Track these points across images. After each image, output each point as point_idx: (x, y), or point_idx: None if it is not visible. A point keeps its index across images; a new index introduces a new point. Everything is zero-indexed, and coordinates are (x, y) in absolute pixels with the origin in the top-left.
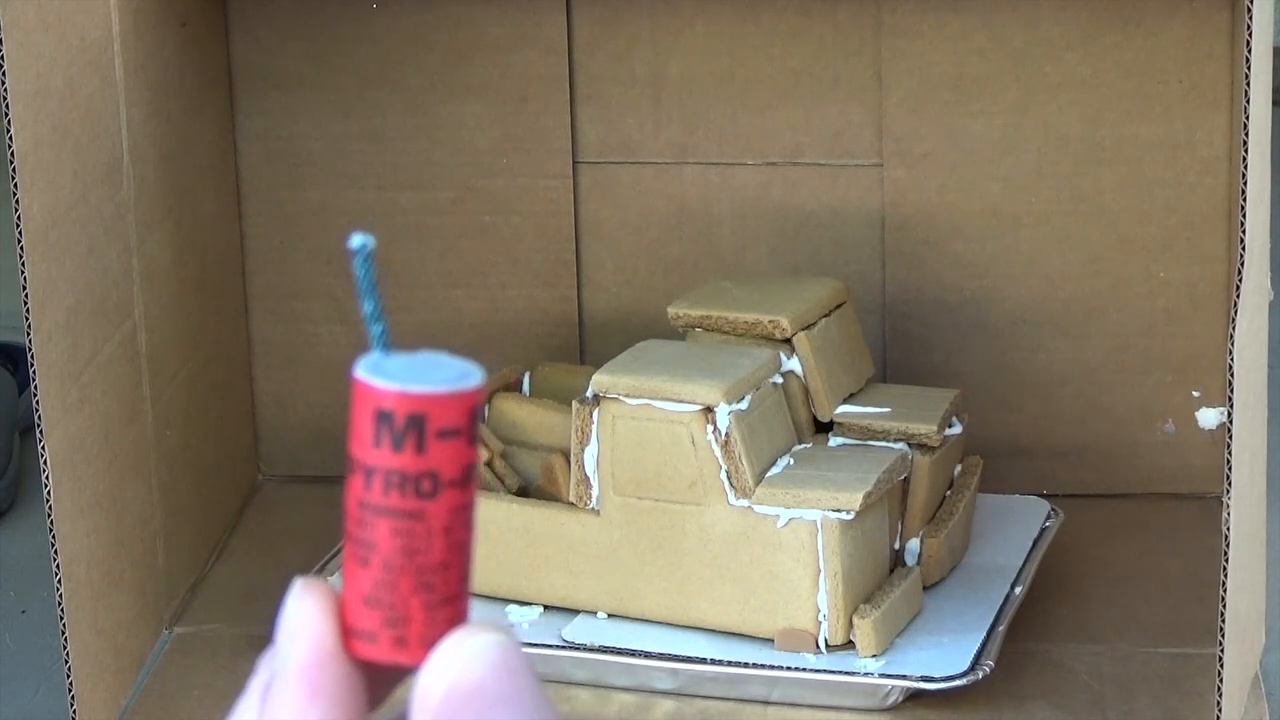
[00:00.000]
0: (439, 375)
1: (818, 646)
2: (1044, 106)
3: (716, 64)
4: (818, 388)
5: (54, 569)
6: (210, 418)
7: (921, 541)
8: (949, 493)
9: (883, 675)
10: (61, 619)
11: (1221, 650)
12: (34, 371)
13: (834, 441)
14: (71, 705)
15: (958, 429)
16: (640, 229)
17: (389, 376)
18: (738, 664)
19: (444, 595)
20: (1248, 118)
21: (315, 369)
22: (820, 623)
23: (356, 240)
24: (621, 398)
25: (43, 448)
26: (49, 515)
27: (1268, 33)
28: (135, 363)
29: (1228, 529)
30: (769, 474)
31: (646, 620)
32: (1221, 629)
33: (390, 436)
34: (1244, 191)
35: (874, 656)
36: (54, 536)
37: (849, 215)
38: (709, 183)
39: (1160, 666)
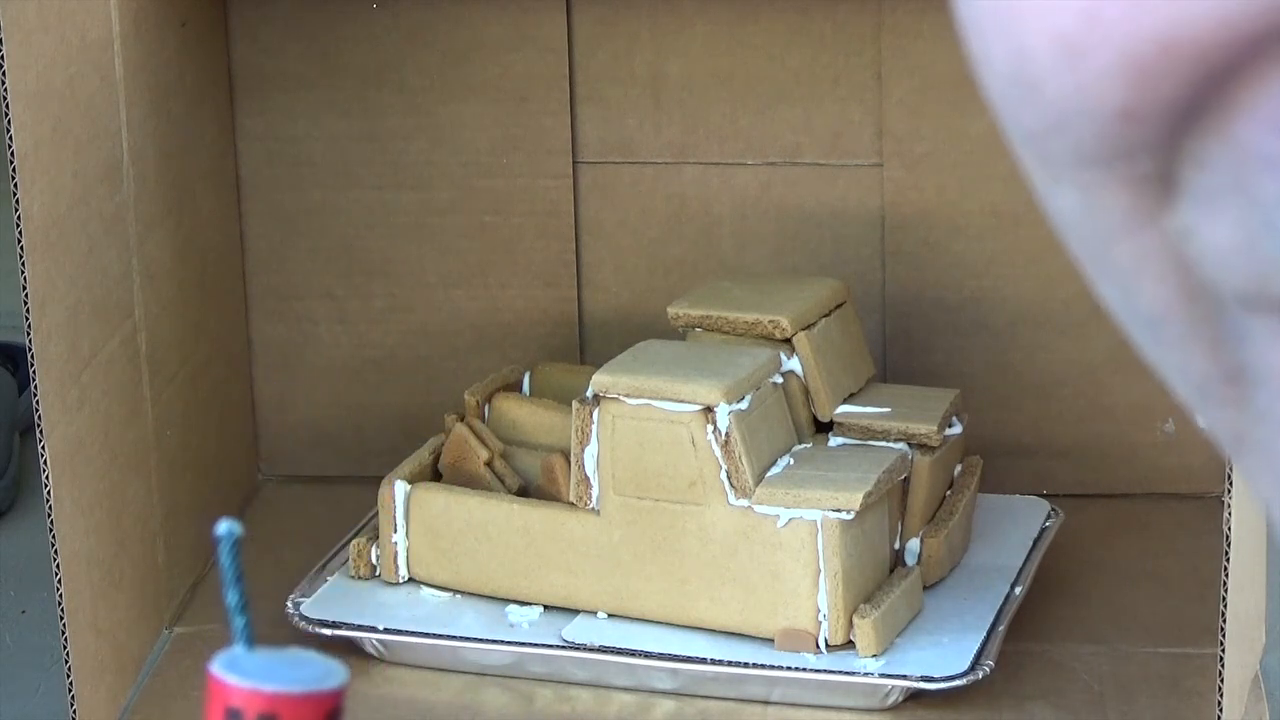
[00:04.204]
0: (297, 674)
1: (818, 646)
2: None
3: (716, 64)
4: (818, 388)
5: (54, 569)
6: (210, 418)
7: (921, 541)
8: (949, 493)
9: (883, 675)
10: (61, 619)
11: (1222, 650)
12: (34, 371)
13: (834, 441)
14: (71, 705)
15: (958, 429)
16: (640, 229)
17: (243, 673)
18: (738, 664)
19: None
20: None
21: (315, 369)
22: (820, 623)
23: (222, 527)
24: (621, 398)
25: (43, 448)
26: (49, 515)
27: None
28: (135, 363)
29: (1228, 529)
30: (769, 474)
31: (646, 620)
32: (1222, 629)
33: None
34: None
35: (874, 656)
36: (54, 536)
37: (849, 215)
38: (709, 183)
39: (1160, 666)
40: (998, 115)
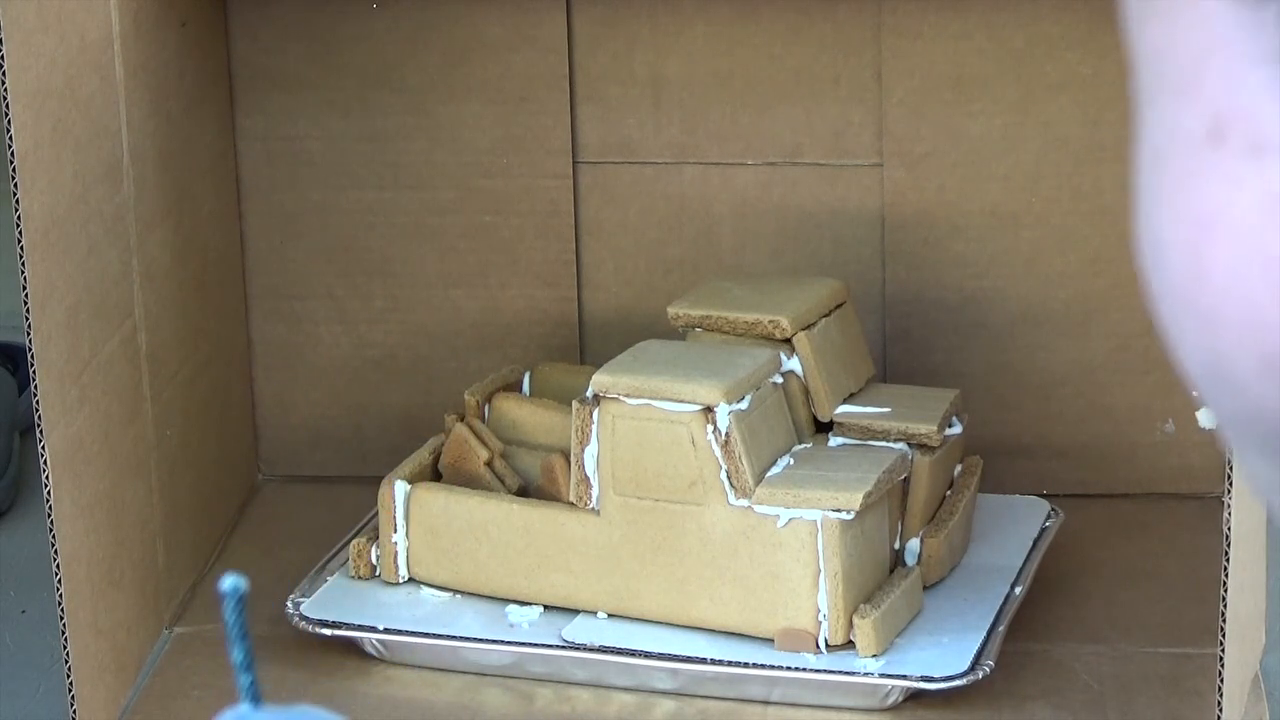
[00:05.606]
0: None
1: (818, 646)
2: (1044, 106)
3: (716, 64)
4: (818, 388)
5: (54, 569)
6: (210, 418)
7: (921, 541)
8: (949, 493)
9: (883, 675)
10: (61, 619)
11: (1222, 650)
12: (34, 371)
13: (834, 441)
14: (71, 705)
15: (958, 429)
16: (640, 229)
17: None
18: (738, 664)
19: None
20: None
21: (315, 369)
22: (820, 623)
23: (227, 583)
24: (621, 398)
25: (43, 448)
26: (49, 515)
27: None
28: (135, 363)
29: (1228, 529)
30: (769, 474)
31: (646, 620)
32: (1222, 629)
33: None
34: None
35: (874, 656)
36: (54, 536)
37: (849, 215)
38: (709, 183)
39: (1160, 666)
40: (1176, 353)
